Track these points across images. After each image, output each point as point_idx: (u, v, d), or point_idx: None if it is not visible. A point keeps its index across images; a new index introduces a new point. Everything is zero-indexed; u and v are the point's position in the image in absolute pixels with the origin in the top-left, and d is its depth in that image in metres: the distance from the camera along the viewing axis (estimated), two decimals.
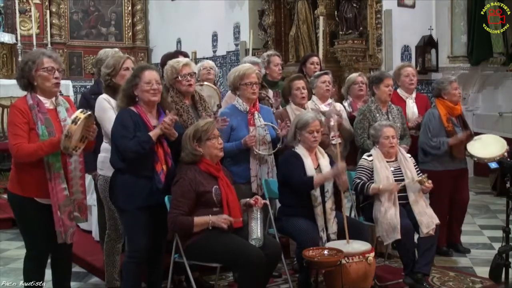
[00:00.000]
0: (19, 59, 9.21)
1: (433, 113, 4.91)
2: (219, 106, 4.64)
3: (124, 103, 3.51)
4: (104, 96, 3.85)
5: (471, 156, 4.72)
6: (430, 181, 4.18)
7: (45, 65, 3.25)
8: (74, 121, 3.09)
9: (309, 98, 4.78)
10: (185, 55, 5.13)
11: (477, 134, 5.02)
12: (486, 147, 4.65)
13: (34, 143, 3.17)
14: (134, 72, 3.56)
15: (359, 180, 4.24)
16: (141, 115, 3.48)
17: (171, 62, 4.03)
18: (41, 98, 3.28)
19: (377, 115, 4.74)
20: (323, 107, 4.83)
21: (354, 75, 5.37)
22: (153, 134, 3.42)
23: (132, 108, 3.50)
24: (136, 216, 3.46)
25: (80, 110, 3.18)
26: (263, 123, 4.18)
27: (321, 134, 4.06)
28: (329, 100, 4.95)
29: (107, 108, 3.74)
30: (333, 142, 4.56)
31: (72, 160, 3.33)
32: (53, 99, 3.36)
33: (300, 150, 4.02)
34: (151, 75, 3.49)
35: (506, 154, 4.50)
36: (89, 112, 3.19)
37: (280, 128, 4.19)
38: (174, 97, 3.95)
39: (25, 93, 3.35)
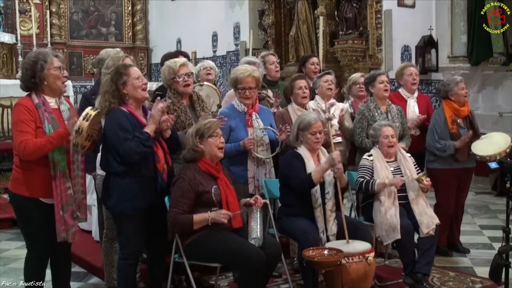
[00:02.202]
0: (19, 59, 9.21)
1: (439, 115, 4.91)
2: (219, 106, 4.64)
3: (116, 104, 3.39)
4: None
5: (474, 154, 4.71)
6: (428, 179, 4.18)
7: (55, 65, 3.27)
8: (85, 118, 3.10)
9: (311, 98, 4.79)
10: (185, 55, 5.12)
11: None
12: (489, 145, 4.63)
13: (40, 138, 3.16)
14: (118, 70, 3.43)
15: (362, 179, 4.23)
16: (134, 114, 3.42)
17: (168, 63, 4.01)
18: (46, 97, 3.28)
19: (376, 114, 4.75)
20: (325, 107, 4.84)
21: (356, 75, 5.38)
22: (150, 130, 3.35)
23: (123, 108, 3.41)
24: (134, 220, 3.43)
25: (90, 107, 3.20)
26: (262, 127, 4.18)
27: (323, 134, 4.06)
28: (332, 100, 4.96)
29: None
30: (335, 141, 4.57)
31: (75, 159, 3.33)
32: (57, 98, 3.36)
33: (302, 151, 4.01)
34: (137, 71, 3.46)
35: (508, 150, 4.48)
36: (99, 110, 3.20)
37: (279, 132, 4.19)
38: (172, 97, 3.94)
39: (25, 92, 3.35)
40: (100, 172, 3.86)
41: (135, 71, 3.44)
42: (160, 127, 3.46)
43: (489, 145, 4.62)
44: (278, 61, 5.56)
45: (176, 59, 4.07)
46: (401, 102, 5.13)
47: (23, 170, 3.26)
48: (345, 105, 5.11)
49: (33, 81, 3.26)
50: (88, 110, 3.15)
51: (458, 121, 4.88)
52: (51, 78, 3.26)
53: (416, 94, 5.26)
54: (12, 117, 3.33)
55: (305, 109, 4.55)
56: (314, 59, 5.65)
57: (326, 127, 4.18)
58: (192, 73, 4.04)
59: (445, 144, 4.78)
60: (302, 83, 4.57)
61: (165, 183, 3.48)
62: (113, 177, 3.43)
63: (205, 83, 4.88)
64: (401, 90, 5.27)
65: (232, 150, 4.07)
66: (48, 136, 3.17)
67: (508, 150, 4.47)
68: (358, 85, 5.21)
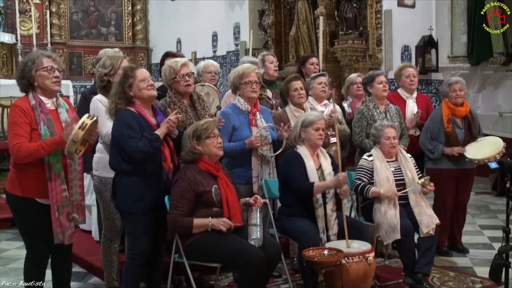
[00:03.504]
0: (19, 59, 9.21)
1: (436, 113, 4.96)
2: (218, 108, 4.64)
3: (123, 105, 3.46)
4: (98, 97, 3.84)
5: (465, 157, 4.73)
6: (432, 184, 4.19)
7: (45, 65, 3.25)
8: (81, 127, 3.08)
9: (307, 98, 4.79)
10: (175, 55, 5.15)
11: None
12: (480, 149, 4.65)
13: (35, 143, 3.16)
14: (125, 73, 3.50)
15: (359, 182, 4.24)
16: (142, 114, 3.47)
17: (169, 62, 4.00)
18: (43, 98, 3.27)
19: (375, 114, 4.77)
20: (319, 108, 4.85)
21: (353, 76, 5.43)
22: (160, 132, 3.42)
23: (131, 108, 3.47)
24: (141, 219, 3.45)
25: (87, 115, 3.17)
26: (266, 124, 4.19)
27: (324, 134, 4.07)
28: (325, 101, 4.97)
29: (102, 109, 3.71)
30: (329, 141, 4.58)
31: (72, 162, 3.32)
32: (54, 99, 3.35)
33: (302, 150, 4.01)
34: (144, 72, 3.51)
35: (497, 156, 4.48)
36: (95, 118, 3.19)
37: (283, 131, 4.19)
38: (173, 97, 3.94)
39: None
40: (96, 172, 3.86)
41: (141, 72, 3.50)
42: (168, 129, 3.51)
43: (480, 148, 4.64)
44: (277, 63, 5.59)
45: (177, 59, 4.08)
46: (400, 102, 5.14)
47: (18, 171, 3.26)
48: (337, 107, 5.12)
49: (23, 82, 3.27)
50: (85, 118, 3.12)
51: (457, 121, 4.89)
52: (40, 79, 3.25)
53: (415, 95, 5.27)
54: (8, 118, 3.33)
55: (303, 109, 4.55)
56: (314, 59, 5.67)
57: (328, 127, 4.20)
58: (193, 73, 4.05)
59: (435, 147, 4.83)
60: (297, 84, 4.56)
61: (170, 182, 3.51)
62: (121, 176, 3.47)
63: (206, 83, 4.88)
64: (400, 91, 5.29)
65: (236, 149, 4.08)
66: (42, 141, 3.16)
67: (498, 156, 4.47)
68: (356, 85, 5.25)
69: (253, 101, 4.22)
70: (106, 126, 3.67)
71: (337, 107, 5.13)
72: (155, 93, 3.54)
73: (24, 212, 3.30)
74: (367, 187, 4.18)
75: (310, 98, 4.92)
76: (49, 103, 3.31)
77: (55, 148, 3.18)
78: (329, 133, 4.69)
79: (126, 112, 3.44)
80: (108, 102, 3.56)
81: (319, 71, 5.48)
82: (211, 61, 5.49)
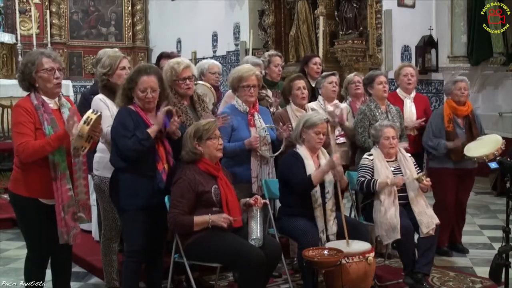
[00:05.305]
0: (19, 59, 9.23)
1: (437, 113, 4.97)
2: (214, 105, 4.63)
3: (124, 102, 3.53)
4: (100, 96, 3.85)
5: (464, 155, 4.73)
6: (428, 179, 4.19)
7: (45, 66, 3.23)
8: (86, 122, 3.08)
9: (313, 98, 4.78)
10: (169, 56, 5.15)
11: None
12: (480, 147, 4.66)
13: (40, 140, 3.15)
14: (132, 74, 3.52)
15: (363, 178, 4.23)
16: (140, 114, 3.49)
17: (171, 64, 3.97)
18: (45, 98, 3.27)
19: (377, 113, 4.77)
20: (329, 107, 4.84)
21: (350, 76, 5.43)
22: (151, 131, 3.41)
23: (131, 106, 3.51)
24: (136, 216, 3.47)
25: (91, 110, 3.18)
26: (265, 125, 4.18)
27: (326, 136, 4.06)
28: (335, 101, 4.97)
29: (103, 108, 3.72)
30: (338, 141, 4.57)
31: (77, 160, 3.32)
32: (56, 99, 3.35)
33: (301, 150, 4.01)
34: (147, 82, 3.46)
35: (496, 153, 4.48)
36: (100, 113, 3.19)
37: (282, 131, 4.19)
38: (172, 98, 3.93)
39: (25, 92, 3.34)
40: (97, 172, 3.87)
41: (142, 82, 3.46)
42: (169, 130, 3.51)
43: (480, 146, 4.65)
44: (283, 64, 5.57)
45: (179, 60, 4.02)
46: (398, 102, 5.14)
47: (23, 171, 3.25)
48: (346, 105, 5.12)
49: (24, 83, 3.27)
50: (89, 113, 3.13)
51: (458, 120, 4.89)
52: (41, 81, 3.24)
53: (413, 94, 5.26)
54: (11, 119, 3.32)
55: (304, 109, 4.55)
56: (317, 59, 5.66)
57: (335, 129, 4.20)
58: (194, 75, 4.04)
59: (437, 143, 4.82)
60: (300, 83, 4.56)
61: (163, 182, 3.49)
62: (117, 173, 3.51)
63: (200, 82, 4.84)
64: (399, 91, 5.29)
65: (235, 149, 4.08)
66: (47, 138, 3.16)
67: (497, 153, 4.47)
68: (354, 84, 5.24)
69: (251, 103, 4.22)
70: (107, 124, 3.67)
71: (347, 105, 5.12)
72: (151, 106, 3.52)
73: (27, 212, 3.30)
74: (373, 180, 4.17)
75: (320, 98, 4.92)
76: (51, 103, 3.31)
77: (60, 143, 3.18)
78: (337, 132, 4.69)
79: (124, 110, 3.49)
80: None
81: (322, 71, 5.48)
82: (215, 61, 5.42)
